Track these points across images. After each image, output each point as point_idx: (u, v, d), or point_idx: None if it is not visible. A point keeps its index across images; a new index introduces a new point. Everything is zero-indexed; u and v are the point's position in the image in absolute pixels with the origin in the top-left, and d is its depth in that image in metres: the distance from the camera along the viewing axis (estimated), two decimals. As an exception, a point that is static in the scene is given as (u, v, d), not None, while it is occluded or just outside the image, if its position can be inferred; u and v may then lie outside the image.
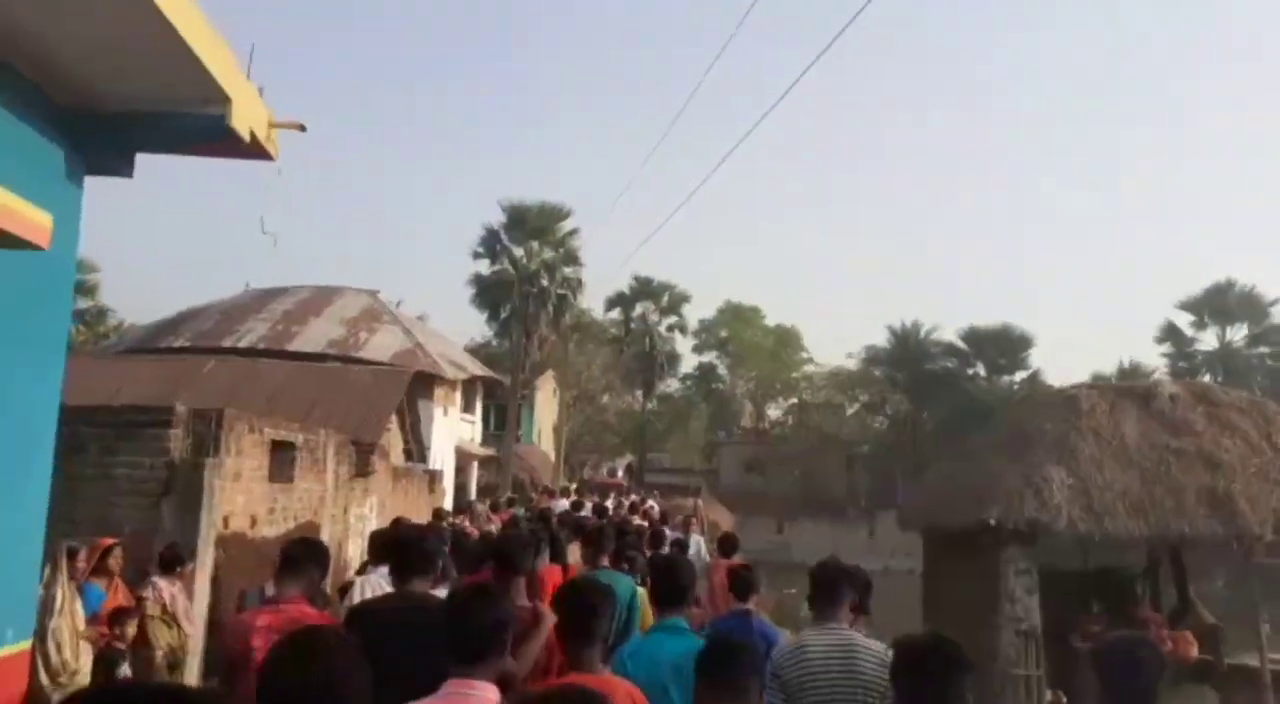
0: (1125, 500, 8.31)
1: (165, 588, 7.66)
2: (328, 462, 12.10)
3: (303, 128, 6.08)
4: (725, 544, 9.76)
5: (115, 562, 7.50)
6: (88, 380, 18.47)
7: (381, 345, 23.77)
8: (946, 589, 9.50)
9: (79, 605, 6.92)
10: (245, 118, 4.97)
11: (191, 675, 8.10)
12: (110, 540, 7.55)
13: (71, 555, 6.75)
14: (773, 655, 3.85)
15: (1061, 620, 8.92)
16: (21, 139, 4.19)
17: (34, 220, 3.84)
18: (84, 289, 44.78)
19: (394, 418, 20.64)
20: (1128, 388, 10.02)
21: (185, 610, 7.82)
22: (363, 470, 13.97)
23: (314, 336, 23.93)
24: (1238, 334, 45.58)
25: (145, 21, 3.71)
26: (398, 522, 11.42)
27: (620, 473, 47.84)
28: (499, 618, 2.71)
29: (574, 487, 26.73)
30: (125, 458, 8.27)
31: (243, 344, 23.40)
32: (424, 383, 23.38)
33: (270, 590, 4.75)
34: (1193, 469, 8.58)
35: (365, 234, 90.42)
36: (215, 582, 8.57)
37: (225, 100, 4.67)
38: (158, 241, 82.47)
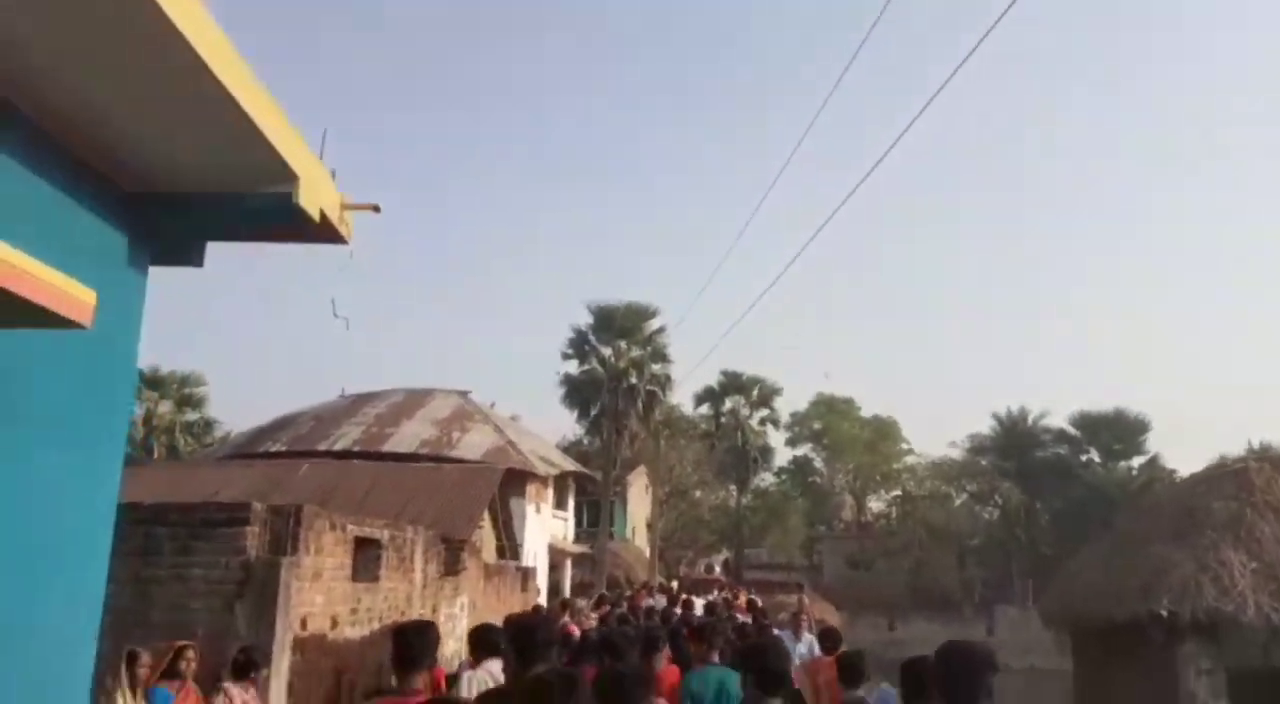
0: (1324, 585, 7.11)
1: (238, 695, 7.09)
2: (415, 560, 11.53)
3: (377, 209, 5.74)
4: (827, 639, 9.15)
5: (188, 665, 7.01)
6: (186, 486, 18.57)
7: (473, 444, 23.48)
8: (1105, 691, 8.23)
9: (145, 713, 6.44)
10: (314, 197, 4.67)
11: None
12: (181, 643, 7.06)
13: (133, 660, 6.24)
14: None
15: (1249, 731, 7.58)
16: (74, 221, 3.87)
17: (76, 297, 3.46)
18: (192, 401, 46.43)
19: (486, 516, 20.13)
20: (1307, 457, 8.81)
21: (260, 721, 7.21)
22: (453, 569, 13.35)
23: (406, 438, 23.81)
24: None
25: (210, 99, 3.39)
26: (508, 620, 10.77)
27: (718, 569, 46.19)
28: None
29: (673, 583, 25.60)
30: (200, 557, 7.84)
31: (337, 447, 23.40)
32: (516, 480, 22.91)
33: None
34: (1398, 546, 7.34)
35: (457, 337, 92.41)
36: (291, 687, 7.95)
37: (292, 178, 4.40)
38: (260, 352, 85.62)
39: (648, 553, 38.45)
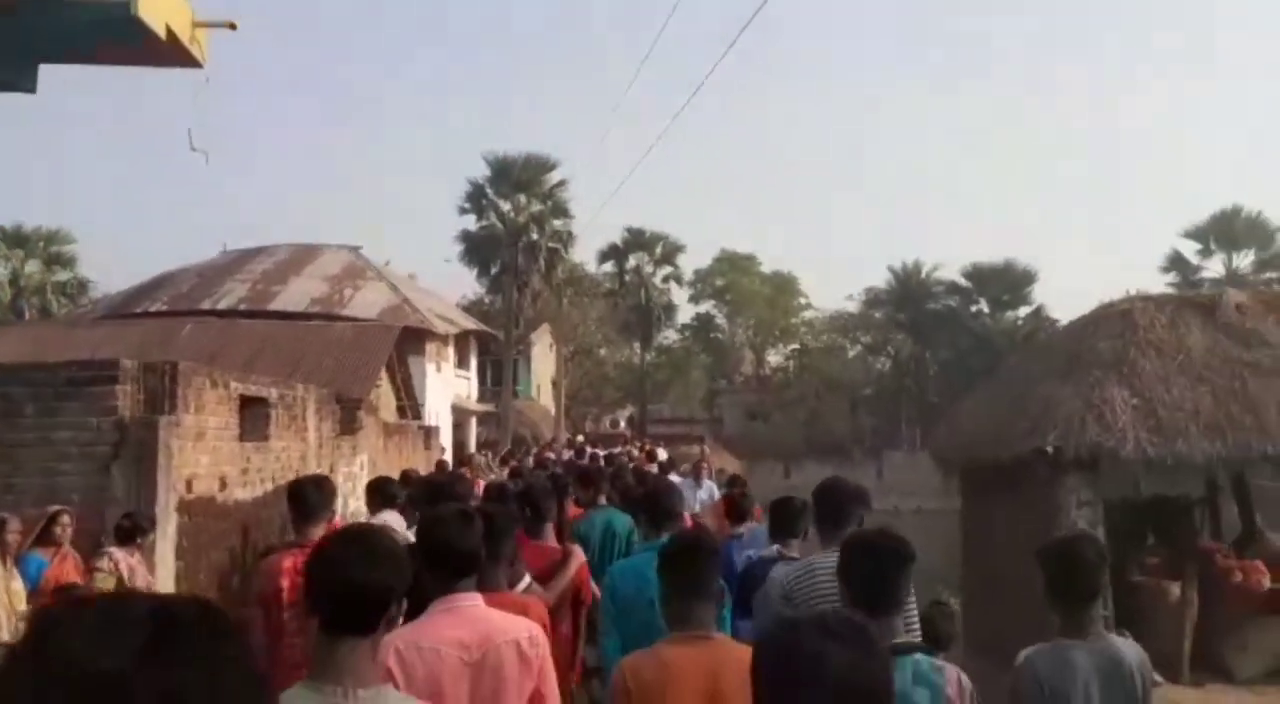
0: (1198, 420, 7.40)
1: (123, 560, 6.78)
2: (308, 419, 11.16)
3: (233, 26, 5.13)
4: (733, 485, 9.43)
5: (63, 530, 6.68)
6: (57, 348, 17.50)
7: (367, 302, 22.76)
8: (992, 527, 8.63)
9: (16, 581, 6.11)
10: (157, 9, 4.06)
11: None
12: (55, 508, 6.68)
13: (0, 526, 5.87)
14: (780, 578, 3.90)
15: (1117, 555, 8.04)
16: None
17: None
18: (62, 260, 43.69)
19: (384, 375, 19.72)
20: (1188, 299, 9.09)
21: (147, 584, 6.94)
22: (349, 428, 13.04)
23: (295, 296, 22.92)
24: (1244, 260, 44.66)
25: None
26: (405, 474, 10.67)
27: (622, 425, 47.14)
28: (475, 543, 2.83)
29: (580, 439, 25.94)
30: (68, 419, 7.32)
31: (222, 306, 22.40)
32: (415, 339, 22.43)
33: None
34: (1272, 384, 7.67)
35: (345, 189, 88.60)
36: (180, 550, 7.67)
37: None
38: (134, 208, 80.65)
39: (553, 411, 38.77)
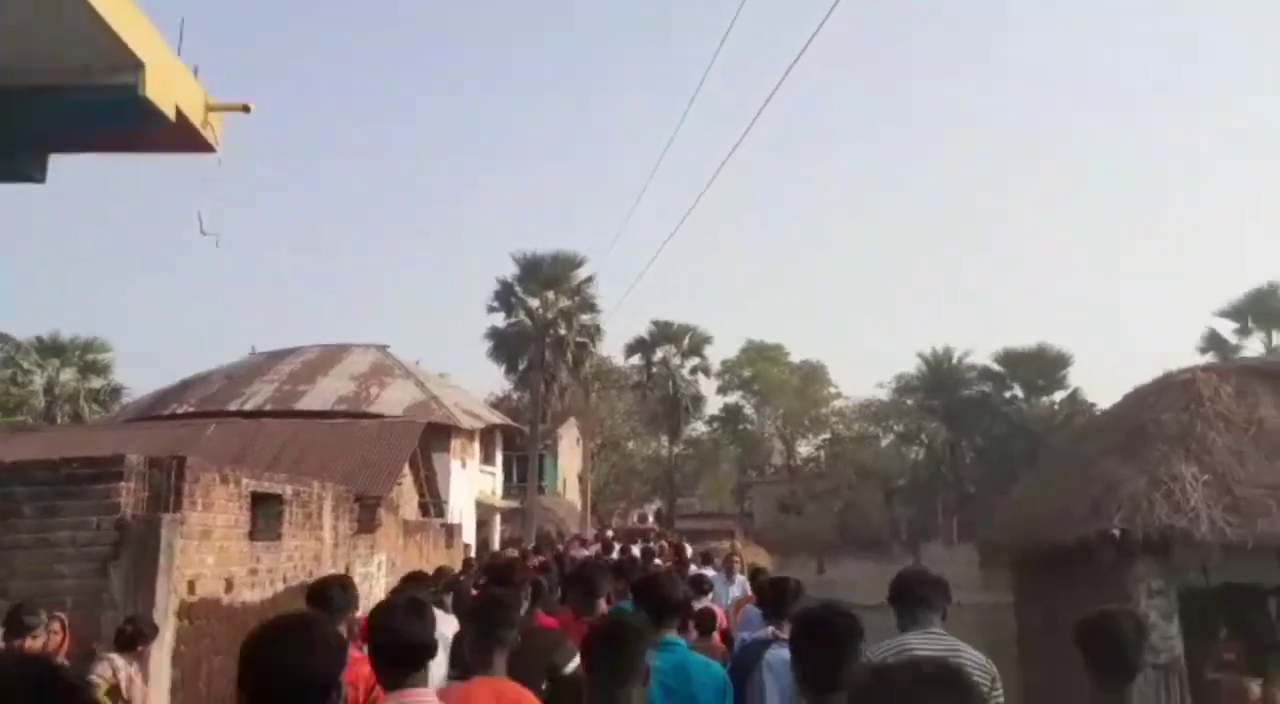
0: (1278, 496, 6.82)
1: (123, 668, 6.30)
2: (324, 517, 10.75)
3: (247, 109, 4.94)
4: (756, 577, 9.09)
5: (50, 637, 6.20)
6: (79, 450, 17.35)
7: (393, 400, 22.57)
8: (1054, 621, 7.91)
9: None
10: (166, 90, 3.89)
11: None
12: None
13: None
14: (871, 655, 3.51)
15: (1192, 649, 7.35)
16: None
17: None
18: (97, 368, 44.10)
19: (407, 472, 19.33)
20: (1254, 367, 8.55)
21: (143, 697, 6.43)
22: (368, 526, 12.60)
23: (322, 395, 22.80)
24: (1282, 340, 43.64)
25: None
26: (439, 571, 9.74)
27: (650, 519, 46.13)
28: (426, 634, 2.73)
29: (609, 533, 25.23)
30: (68, 518, 6.97)
31: (249, 407, 22.30)
32: (440, 435, 22.12)
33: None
34: (1352, 454, 7.10)
35: (375, 291, 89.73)
36: (178, 655, 7.18)
37: (135, 65, 3.66)
38: (167, 316, 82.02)
39: (579, 506, 38.04)
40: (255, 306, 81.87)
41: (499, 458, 28.66)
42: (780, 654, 4.03)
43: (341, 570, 11.40)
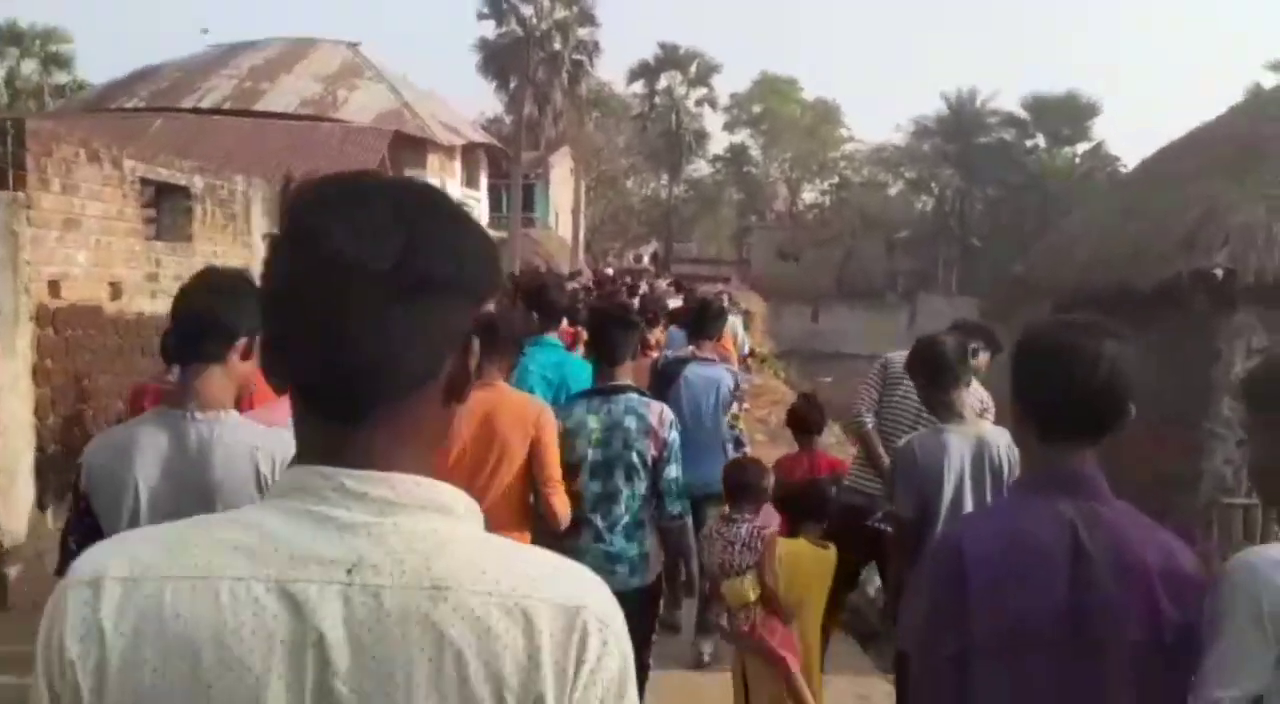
0: None
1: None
2: (252, 219, 9.20)
3: None
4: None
5: None
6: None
7: (363, 104, 20.39)
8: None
9: None
10: None
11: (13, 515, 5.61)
12: None
13: None
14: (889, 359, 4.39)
15: None
16: None
17: None
18: (59, 61, 41.01)
19: (377, 187, 17.62)
20: None
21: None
22: (316, 237, 11.11)
23: (284, 95, 20.57)
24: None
25: None
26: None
27: (646, 260, 44.96)
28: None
29: (609, 271, 24.04)
30: None
31: (205, 104, 20.14)
32: (415, 149, 20.17)
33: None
34: None
35: None
36: (46, 372, 5.90)
37: None
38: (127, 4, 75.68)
39: (571, 243, 36.67)
40: None
41: (484, 182, 26.78)
42: (697, 370, 4.90)
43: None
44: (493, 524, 0.91)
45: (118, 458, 2.04)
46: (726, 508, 3.99)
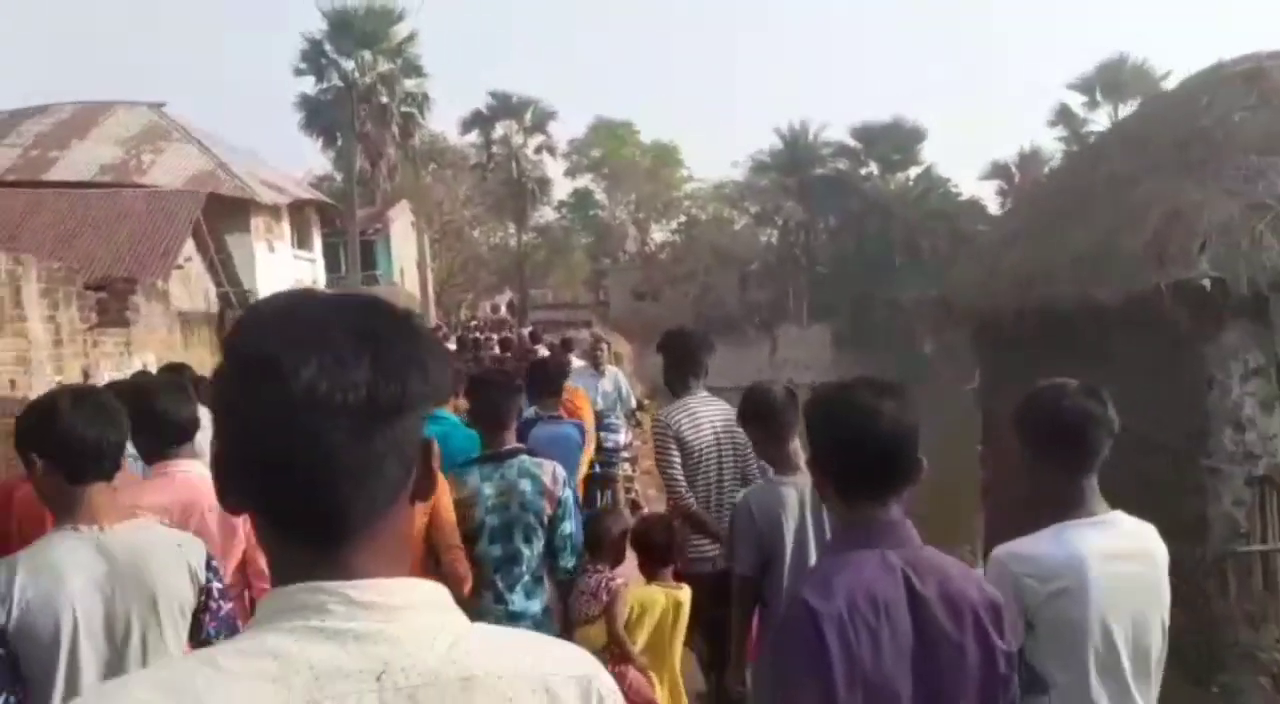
0: None
1: None
2: (28, 304, 7.52)
3: None
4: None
5: None
6: None
7: (171, 167, 18.39)
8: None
9: None
10: None
11: None
12: None
13: None
14: (665, 418, 4.21)
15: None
16: None
17: None
18: None
19: (195, 255, 15.73)
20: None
21: None
22: (115, 317, 9.40)
23: (79, 163, 18.36)
24: (1131, 110, 43.66)
25: None
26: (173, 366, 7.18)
27: (503, 309, 43.54)
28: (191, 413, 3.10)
29: (474, 322, 22.63)
30: None
31: (-20, 177, 17.65)
32: (236, 213, 18.29)
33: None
34: None
35: (152, 45, 78.12)
36: None
37: None
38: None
39: (419, 296, 34.91)
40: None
41: (318, 242, 24.84)
42: (546, 431, 5.05)
43: (76, 377, 8.34)
44: None
45: (44, 584, 2.02)
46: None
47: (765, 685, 1.82)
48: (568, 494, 3.55)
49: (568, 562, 3.57)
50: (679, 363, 4.27)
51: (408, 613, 0.85)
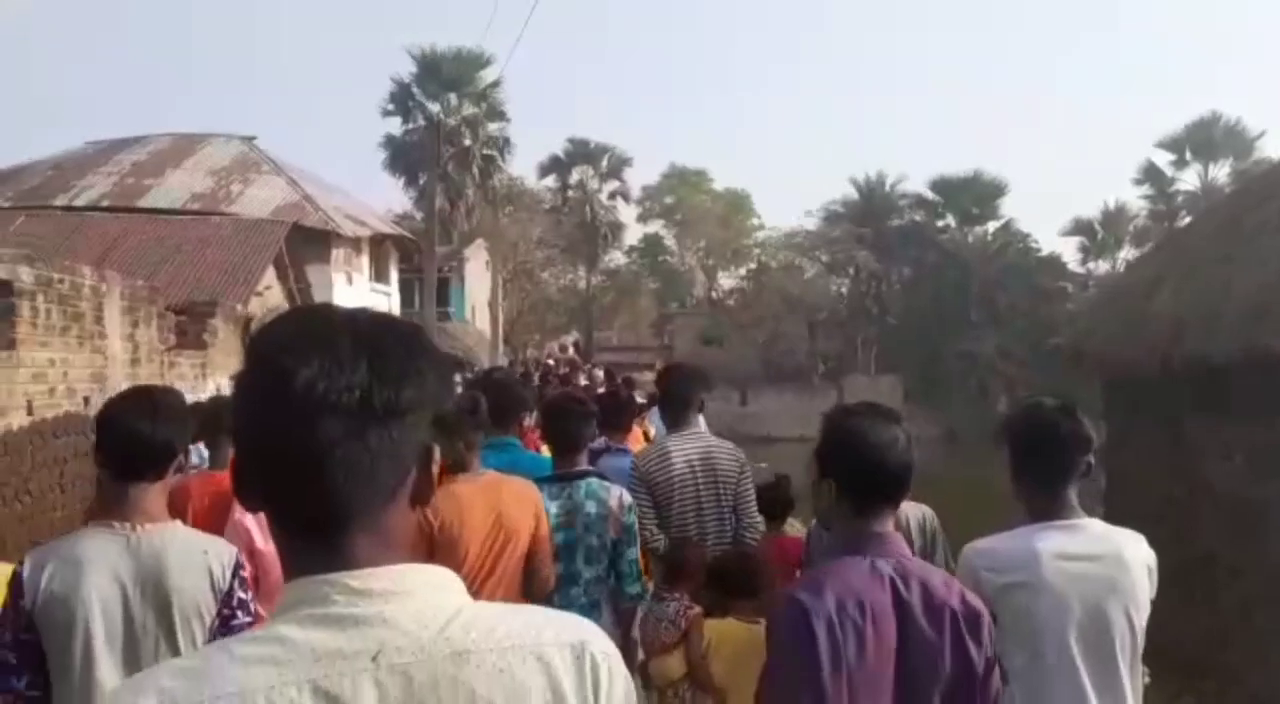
0: None
1: None
2: (108, 321, 7.66)
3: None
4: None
5: None
6: None
7: (259, 199, 18.93)
8: (1196, 466, 5.33)
9: None
10: None
11: None
12: None
13: None
14: (636, 461, 4.24)
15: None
16: None
17: None
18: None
19: (275, 283, 16.09)
20: None
21: None
22: (194, 340, 9.56)
23: (172, 191, 19.00)
24: (1221, 170, 42.35)
25: None
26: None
27: (571, 350, 43.81)
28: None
29: (550, 362, 22.80)
30: None
31: (79, 202, 18.39)
32: (318, 244, 18.73)
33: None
34: None
35: (247, 83, 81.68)
36: None
37: None
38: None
39: (489, 336, 35.28)
40: (93, 95, 73.28)
41: (394, 276, 25.32)
42: (611, 462, 4.69)
43: (151, 396, 8.42)
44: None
45: (69, 575, 2.06)
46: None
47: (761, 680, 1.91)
48: (632, 519, 3.58)
49: (632, 587, 3.59)
50: (669, 399, 4.35)
51: (406, 597, 0.90)
